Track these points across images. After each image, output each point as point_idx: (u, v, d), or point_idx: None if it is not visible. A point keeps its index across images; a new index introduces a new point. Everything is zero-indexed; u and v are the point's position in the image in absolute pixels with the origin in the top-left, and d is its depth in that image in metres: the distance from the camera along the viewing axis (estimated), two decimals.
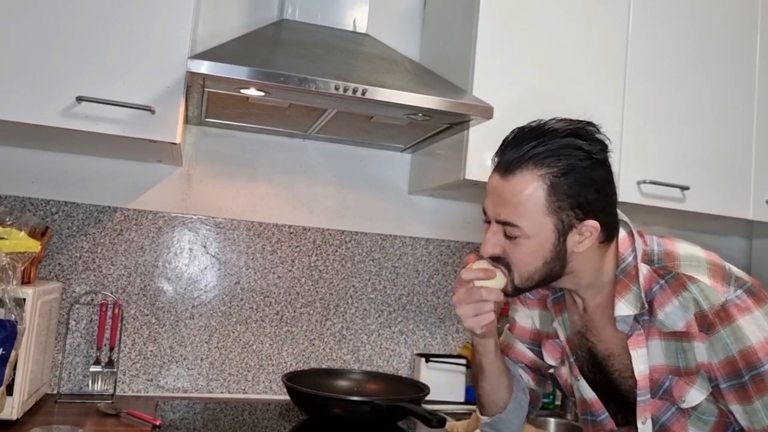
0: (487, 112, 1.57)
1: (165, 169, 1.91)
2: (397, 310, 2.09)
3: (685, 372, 1.04)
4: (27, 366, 1.44)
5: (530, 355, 1.29)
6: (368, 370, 1.98)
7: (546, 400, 2.00)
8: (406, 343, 2.09)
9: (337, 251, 2.04)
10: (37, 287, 1.47)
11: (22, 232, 1.43)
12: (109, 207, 1.86)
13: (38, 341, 1.51)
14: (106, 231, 1.85)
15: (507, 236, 1.04)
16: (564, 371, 1.22)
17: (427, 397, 1.71)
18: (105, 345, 1.80)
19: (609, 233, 1.07)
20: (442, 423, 1.43)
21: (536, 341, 1.28)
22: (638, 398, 1.08)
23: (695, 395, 1.04)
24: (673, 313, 1.03)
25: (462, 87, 1.69)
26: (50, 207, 1.81)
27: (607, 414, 1.16)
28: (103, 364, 1.78)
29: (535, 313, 1.27)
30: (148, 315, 1.87)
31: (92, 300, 1.83)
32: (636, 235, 1.11)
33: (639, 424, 1.08)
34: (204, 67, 1.38)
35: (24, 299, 1.39)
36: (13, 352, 1.32)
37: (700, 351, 1.02)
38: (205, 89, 1.52)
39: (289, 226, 2.00)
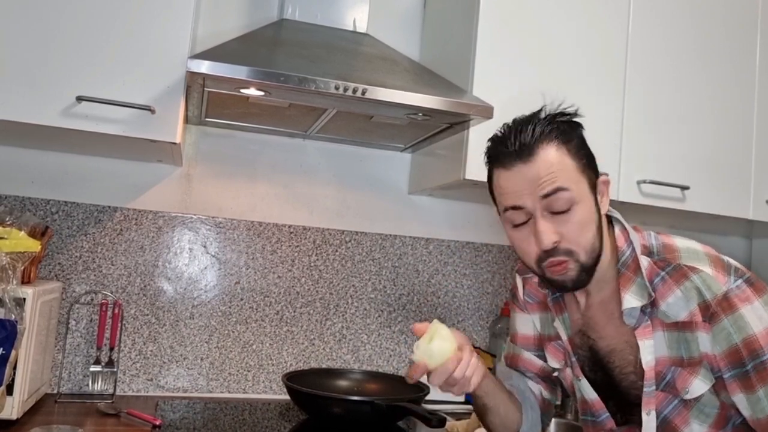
0: (487, 112, 1.57)
1: (165, 169, 1.91)
2: (397, 310, 2.09)
3: (688, 363, 1.05)
4: (27, 366, 1.44)
5: (539, 362, 1.29)
6: (368, 370, 1.98)
7: None
8: (406, 343, 2.09)
9: (337, 251, 2.04)
10: (37, 287, 1.47)
11: (22, 232, 1.43)
12: (109, 207, 1.86)
13: (38, 341, 1.51)
14: (106, 231, 1.85)
15: (556, 213, 1.03)
16: (568, 373, 1.23)
17: (427, 397, 1.70)
18: (105, 345, 1.80)
19: None
20: (442, 423, 1.43)
21: (540, 347, 1.28)
22: (644, 389, 1.08)
23: (698, 386, 1.04)
24: (676, 304, 1.04)
25: (462, 87, 1.69)
26: (50, 207, 1.81)
27: (607, 414, 1.17)
28: (103, 363, 1.78)
29: (536, 317, 1.28)
30: (148, 315, 1.87)
31: (92, 300, 1.83)
32: (631, 230, 1.12)
33: (643, 416, 1.08)
34: (204, 66, 1.38)
35: (24, 299, 1.39)
36: (13, 352, 1.32)
37: (703, 341, 1.02)
38: (205, 89, 1.52)
39: (289, 226, 2.00)
